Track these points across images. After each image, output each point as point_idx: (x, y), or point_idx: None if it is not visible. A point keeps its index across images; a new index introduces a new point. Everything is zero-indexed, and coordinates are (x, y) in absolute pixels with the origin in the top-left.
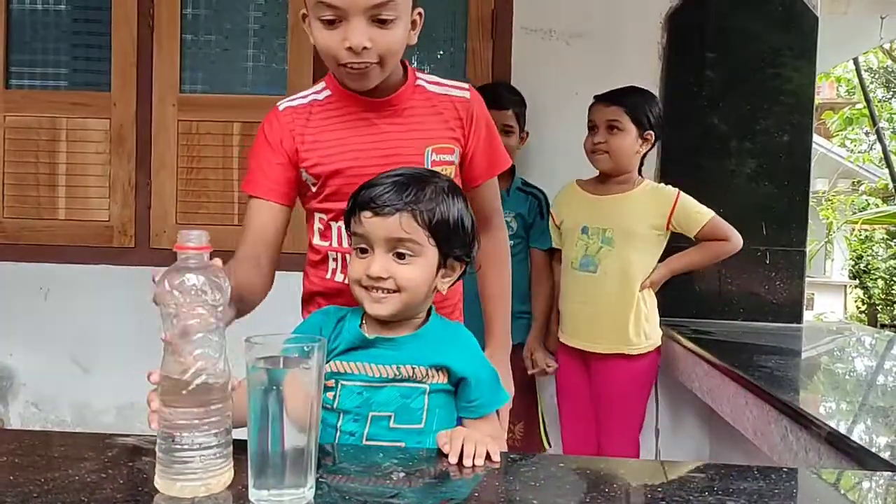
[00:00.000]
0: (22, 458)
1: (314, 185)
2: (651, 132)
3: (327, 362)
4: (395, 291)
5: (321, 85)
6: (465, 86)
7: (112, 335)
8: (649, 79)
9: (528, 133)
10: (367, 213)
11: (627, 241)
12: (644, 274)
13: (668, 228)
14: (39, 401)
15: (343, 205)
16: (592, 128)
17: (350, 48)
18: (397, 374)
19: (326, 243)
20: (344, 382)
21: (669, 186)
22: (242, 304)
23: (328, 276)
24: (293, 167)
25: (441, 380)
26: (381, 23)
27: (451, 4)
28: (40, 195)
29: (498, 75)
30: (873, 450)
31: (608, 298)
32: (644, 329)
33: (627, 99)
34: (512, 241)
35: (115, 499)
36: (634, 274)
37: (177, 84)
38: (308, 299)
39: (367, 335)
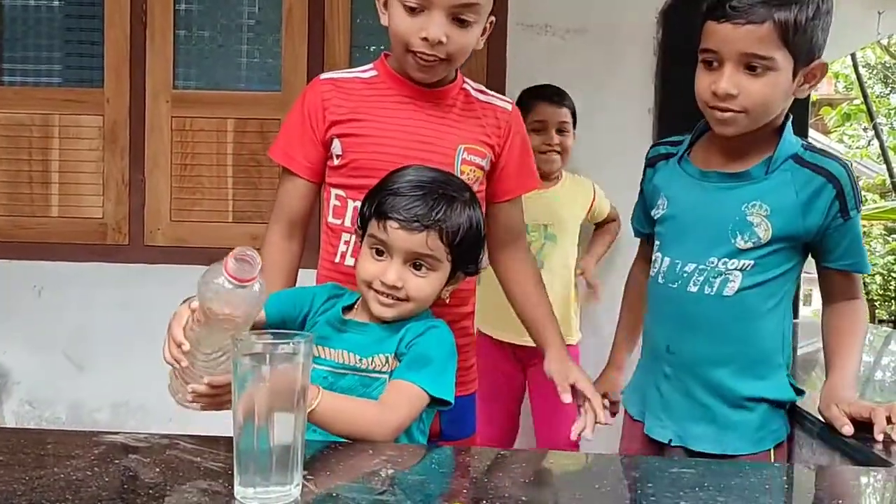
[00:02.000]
0: (8, 456)
1: (338, 156)
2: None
3: (308, 331)
4: (403, 300)
5: (368, 66)
6: (509, 100)
7: (106, 333)
8: (646, 74)
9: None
10: (394, 224)
11: (566, 234)
12: (574, 265)
13: (587, 218)
14: (34, 399)
15: (363, 181)
16: (542, 129)
17: (425, 39)
18: (359, 363)
19: (339, 221)
20: (314, 366)
21: (583, 177)
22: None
23: (337, 259)
24: (323, 145)
25: None
26: (461, 23)
27: None
28: (33, 192)
29: (493, 71)
30: (867, 445)
31: (553, 296)
32: (580, 318)
33: (566, 99)
34: (754, 255)
35: (100, 497)
36: (571, 266)
37: (170, 80)
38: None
39: (342, 317)
